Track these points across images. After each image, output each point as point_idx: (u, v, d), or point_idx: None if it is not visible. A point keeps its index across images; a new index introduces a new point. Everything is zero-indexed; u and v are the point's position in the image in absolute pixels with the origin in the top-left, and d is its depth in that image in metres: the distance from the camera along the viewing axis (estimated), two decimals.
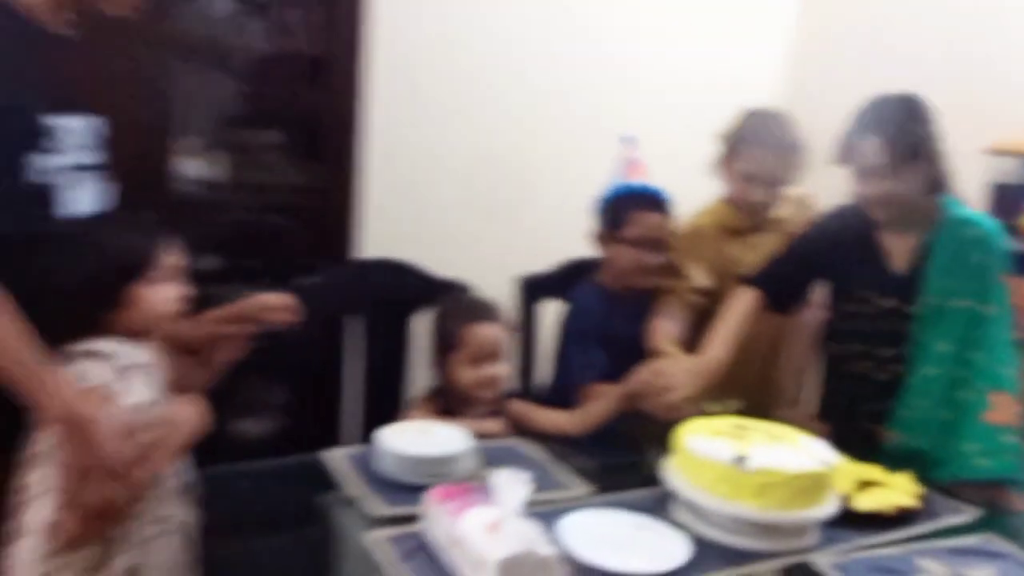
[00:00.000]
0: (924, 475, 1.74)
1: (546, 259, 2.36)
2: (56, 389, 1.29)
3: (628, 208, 2.11)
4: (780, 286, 2.00)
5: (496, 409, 1.92)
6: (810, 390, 2.18)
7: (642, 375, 1.86)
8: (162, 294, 1.44)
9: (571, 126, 2.93)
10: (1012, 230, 2.53)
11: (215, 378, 1.61)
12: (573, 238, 2.25)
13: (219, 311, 1.64)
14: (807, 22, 3.46)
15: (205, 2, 2.50)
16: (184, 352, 1.56)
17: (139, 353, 1.41)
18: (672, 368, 1.86)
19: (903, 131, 1.81)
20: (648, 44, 3.07)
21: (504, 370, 1.93)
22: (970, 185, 2.69)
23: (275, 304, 1.66)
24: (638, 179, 2.27)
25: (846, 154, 1.87)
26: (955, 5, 2.96)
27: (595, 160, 2.75)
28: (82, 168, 1.50)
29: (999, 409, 1.73)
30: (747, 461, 1.39)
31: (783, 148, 2.09)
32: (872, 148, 1.82)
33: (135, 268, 1.41)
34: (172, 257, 1.46)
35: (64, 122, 1.45)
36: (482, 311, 1.95)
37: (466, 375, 1.88)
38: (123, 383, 1.36)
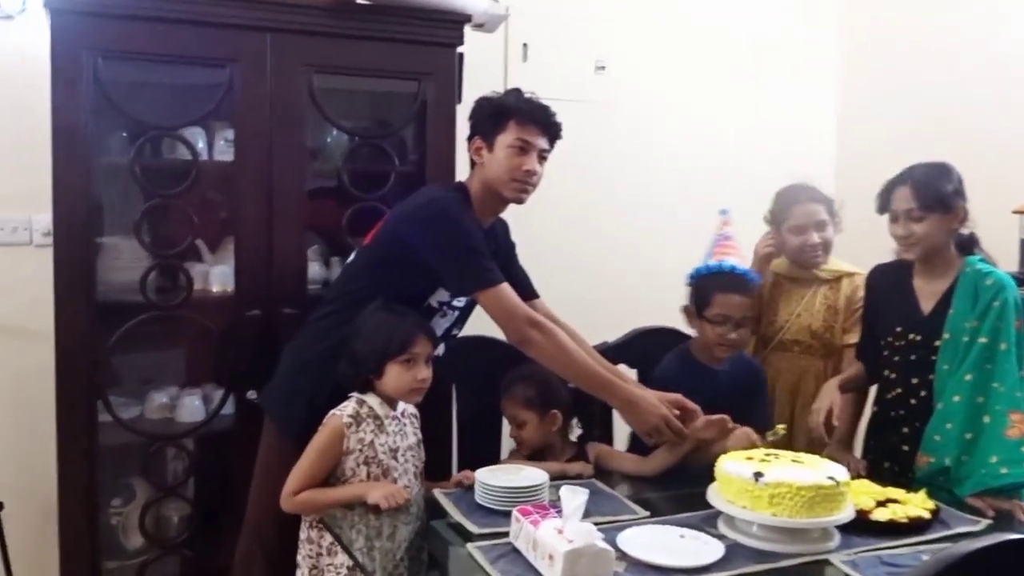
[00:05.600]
0: (950, 491, 2.05)
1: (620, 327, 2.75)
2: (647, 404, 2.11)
3: (712, 289, 2.35)
4: (871, 354, 2.41)
5: (577, 455, 2.30)
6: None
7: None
8: (408, 374, 1.95)
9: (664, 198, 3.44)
10: None
11: None
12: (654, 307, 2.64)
13: None
14: (849, 110, 3.83)
15: None
16: None
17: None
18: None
19: (930, 184, 2.20)
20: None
21: (526, 432, 2.27)
22: (1003, 241, 3.00)
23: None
24: (728, 256, 2.39)
25: (883, 202, 2.28)
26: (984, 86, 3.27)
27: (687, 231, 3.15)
28: (449, 307, 2.21)
29: (1016, 426, 2.06)
30: (763, 477, 1.74)
31: (817, 198, 2.59)
32: (902, 195, 2.23)
33: (391, 348, 1.94)
34: (419, 346, 1.97)
35: None
36: (512, 379, 2.31)
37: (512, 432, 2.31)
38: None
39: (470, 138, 2.24)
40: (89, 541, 2.39)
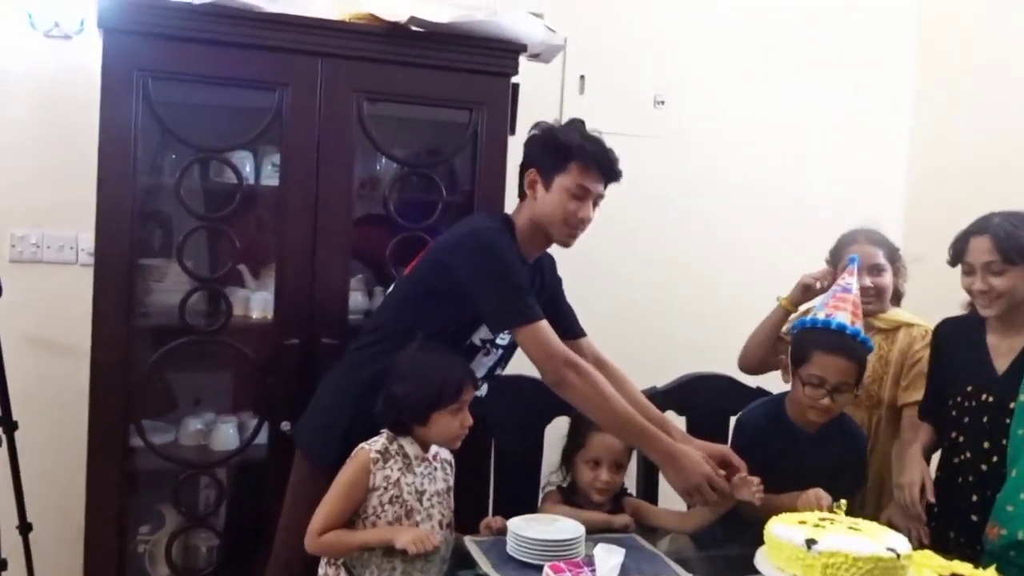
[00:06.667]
0: (1022, 567, 1.89)
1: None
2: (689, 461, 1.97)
3: (812, 347, 2.13)
4: (939, 412, 2.26)
5: (611, 509, 2.17)
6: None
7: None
8: (455, 422, 1.88)
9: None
10: None
11: None
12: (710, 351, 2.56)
13: None
14: (922, 142, 3.64)
15: None
16: None
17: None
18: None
19: (1012, 234, 2.06)
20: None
21: (619, 477, 2.17)
22: None
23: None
24: (840, 311, 2.16)
25: (958, 253, 2.14)
26: None
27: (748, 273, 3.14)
28: (492, 344, 2.12)
29: None
30: (816, 544, 1.60)
31: (875, 241, 2.48)
32: (981, 246, 2.08)
33: (443, 398, 1.86)
34: (469, 393, 1.90)
35: None
36: None
37: (585, 475, 2.15)
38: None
39: (525, 167, 2.15)
40: (115, 568, 2.34)
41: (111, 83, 2.26)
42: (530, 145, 2.14)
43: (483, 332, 2.10)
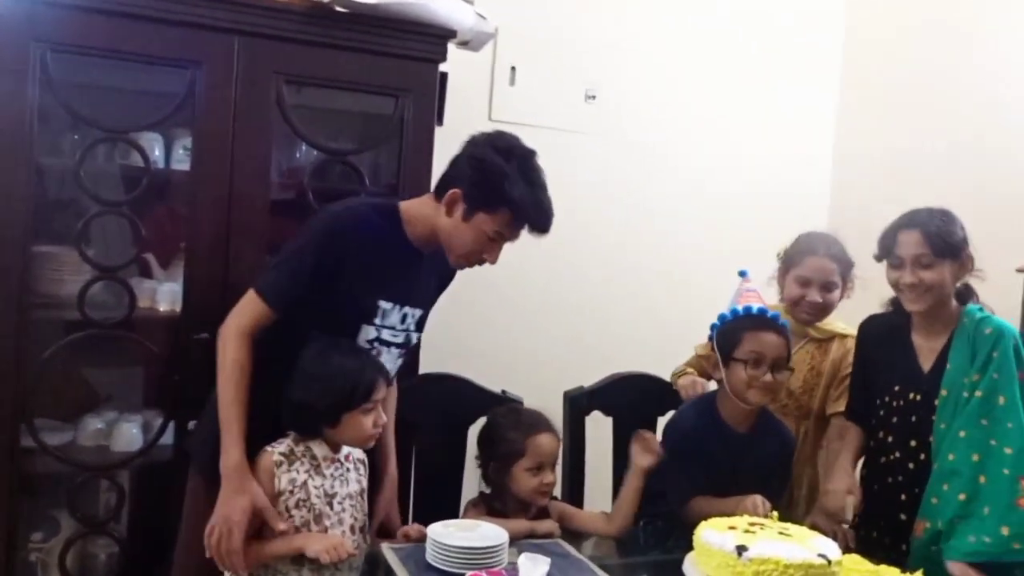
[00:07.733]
0: (940, 554, 1.92)
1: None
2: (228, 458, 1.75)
3: (742, 329, 2.15)
4: (868, 411, 2.23)
5: (537, 513, 2.10)
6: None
7: None
8: (368, 421, 1.77)
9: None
10: None
11: None
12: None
13: None
14: (846, 147, 3.67)
15: None
16: None
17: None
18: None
19: (940, 228, 2.05)
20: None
21: (555, 477, 2.10)
22: (1009, 304, 2.85)
23: None
24: (754, 303, 2.20)
25: (887, 246, 2.11)
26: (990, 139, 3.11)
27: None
28: (381, 343, 1.95)
29: None
30: (746, 551, 1.56)
31: (835, 256, 2.42)
32: (911, 239, 2.06)
33: (354, 399, 1.75)
34: (381, 392, 1.79)
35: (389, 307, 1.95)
36: (543, 423, 2.12)
37: (527, 482, 2.05)
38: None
39: (451, 183, 1.90)
40: None
41: (5, 55, 2.08)
42: (465, 166, 1.90)
43: (367, 332, 1.94)
